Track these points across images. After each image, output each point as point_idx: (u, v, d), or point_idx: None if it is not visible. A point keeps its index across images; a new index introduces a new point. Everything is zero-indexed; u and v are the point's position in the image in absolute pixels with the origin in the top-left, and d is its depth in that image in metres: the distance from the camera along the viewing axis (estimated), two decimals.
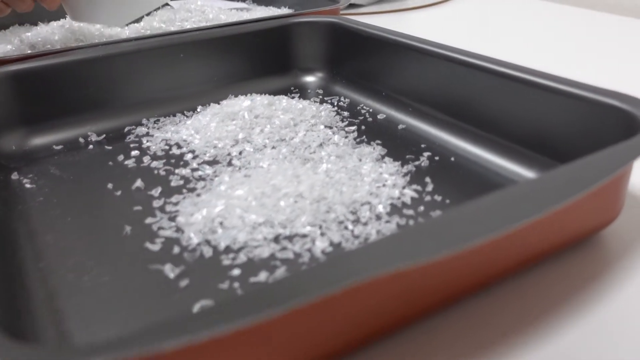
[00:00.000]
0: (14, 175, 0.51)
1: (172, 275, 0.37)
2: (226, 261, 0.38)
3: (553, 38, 0.92)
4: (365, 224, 0.41)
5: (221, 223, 0.41)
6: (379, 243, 0.27)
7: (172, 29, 0.87)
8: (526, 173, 0.47)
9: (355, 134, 0.57)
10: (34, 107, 0.58)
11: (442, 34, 0.98)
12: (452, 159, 0.51)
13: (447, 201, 0.44)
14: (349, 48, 0.67)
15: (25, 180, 0.50)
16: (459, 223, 0.28)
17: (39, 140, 0.57)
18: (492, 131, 0.51)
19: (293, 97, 0.66)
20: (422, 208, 0.43)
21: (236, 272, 0.37)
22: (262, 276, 0.36)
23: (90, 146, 0.57)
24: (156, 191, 0.47)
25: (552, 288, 0.35)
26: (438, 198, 0.44)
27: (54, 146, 0.57)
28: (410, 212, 0.43)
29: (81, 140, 0.58)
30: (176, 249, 0.39)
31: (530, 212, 0.28)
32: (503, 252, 0.32)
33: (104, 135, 0.58)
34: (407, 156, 0.51)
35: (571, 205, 0.30)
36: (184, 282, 0.36)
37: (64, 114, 0.60)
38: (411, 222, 0.41)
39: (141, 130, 0.59)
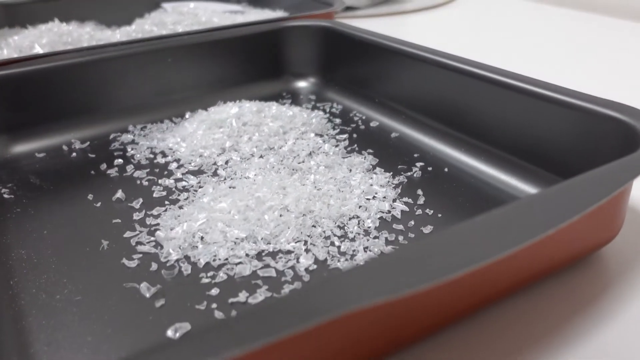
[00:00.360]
0: None
1: (147, 294, 0.35)
2: (205, 279, 0.36)
3: (553, 43, 0.91)
4: (353, 239, 0.39)
5: (202, 238, 0.39)
6: (369, 268, 0.25)
7: (164, 32, 0.85)
8: (521, 186, 0.45)
9: (347, 142, 0.55)
10: (17, 113, 0.56)
11: (440, 38, 0.96)
12: (446, 169, 0.49)
13: (439, 215, 0.42)
14: (342, 53, 0.66)
15: (4, 190, 0.48)
16: (453, 247, 0.26)
17: (21, 148, 0.56)
18: (488, 141, 0.49)
19: (284, 103, 0.64)
20: (412, 222, 0.41)
21: (215, 291, 0.35)
22: (242, 296, 0.34)
23: (74, 154, 0.55)
24: (137, 203, 0.45)
25: (552, 308, 0.33)
26: (430, 211, 0.42)
27: (36, 154, 0.55)
28: (400, 226, 0.41)
29: (64, 147, 0.56)
30: (154, 266, 0.37)
31: (527, 236, 0.26)
32: (499, 273, 0.30)
33: (88, 143, 0.57)
34: (399, 166, 0.49)
35: (571, 225, 0.28)
36: (159, 302, 0.34)
37: (48, 120, 0.58)
38: (400, 237, 0.39)
39: (127, 137, 0.57)
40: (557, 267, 0.35)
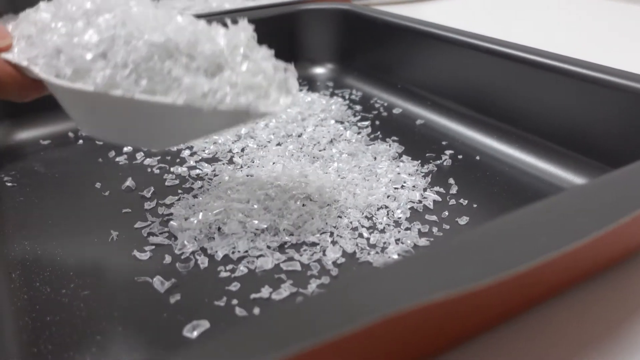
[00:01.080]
0: None
1: (162, 289, 0.32)
2: (224, 273, 0.33)
3: (585, 31, 0.87)
4: (383, 231, 0.36)
5: (219, 229, 0.36)
6: (422, 260, 0.22)
7: None
8: (562, 174, 0.41)
9: (369, 129, 0.52)
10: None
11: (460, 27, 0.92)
12: (477, 157, 0.45)
13: (475, 205, 0.39)
14: (362, 37, 0.62)
15: (6, 178, 0.45)
16: (506, 242, 0.23)
17: (25, 135, 0.53)
18: (523, 128, 0.46)
19: (301, 90, 0.61)
20: (446, 213, 0.38)
21: (235, 286, 0.32)
22: (265, 292, 0.31)
23: (80, 141, 0.52)
24: (148, 191, 0.42)
25: (606, 304, 0.30)
26: (464, 202, 0.39)
27: (41, 141, 0.52)
28: (433, 217, 0.38)
29: (70, 134, 0.53)
30: (167, 259, 0.34)
31: (589, 229, 0.23)
32: (563, 266, 0.27)
33: None
34: (427, 154, 0.46)
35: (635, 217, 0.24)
36: (174, 298, 0.31)
37: (54, 105, 0.55)
38: (434, 229, 0.36)
39: None
40: (610, 263, 0.32)
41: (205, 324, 0.29)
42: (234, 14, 0.64)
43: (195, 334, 0.28)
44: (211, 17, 0.62)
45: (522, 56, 0.44)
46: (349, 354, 0.20)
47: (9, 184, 0.44)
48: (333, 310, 0.19)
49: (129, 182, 0.43)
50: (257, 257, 0.34)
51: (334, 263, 0.33)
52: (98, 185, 0.44)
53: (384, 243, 0.35)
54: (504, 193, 0.40)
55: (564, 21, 0.93)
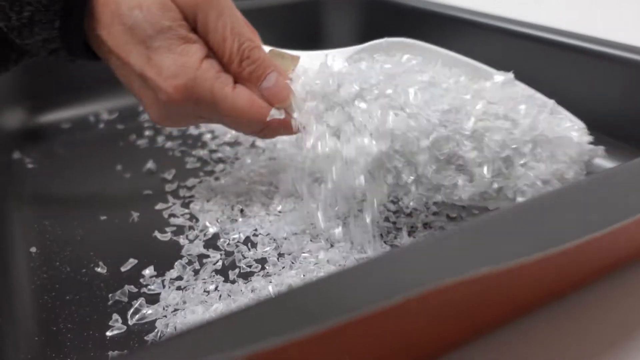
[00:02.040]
0: (16, 155, 0.46)
1: (183, 273, 0.31)
2: (247, 253, 0.32)
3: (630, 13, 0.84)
4: (409, 215, 0.35)
5: (242, 211, 0.36)
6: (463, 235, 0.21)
7: None
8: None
9: None
10: (41, 80, 0.53)
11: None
12: None
13: None
14: (387, 24, 0.61)
15: (27, 160, 0.45)
16: (548, 219, 0.22)
17: (46, 118, 0.52)
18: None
19: None
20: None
21: (259, 268, 0.31)
22: (295, 274, 0.30)
23: (101, 124, 0.51)
24: (169, 174, 0.41)
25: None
26: None
27: (62, 124, 0.51)
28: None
29: (92, 118, 0.53)
30: (189, 240, 0.34)
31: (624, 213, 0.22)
32: (599, 249, 0.26)
33: (117, 114, 0.53)
34: None
35: None
36: (199, 281, 0.30)
37: (75, 89, 0.54)
38: (463, 214, 0.35)
39: None
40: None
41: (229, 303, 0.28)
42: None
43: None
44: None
45: (550, 38, 0.42)
46: (380, 331, 0.19)
47: (30, 166, 0.44)
48: (356, 289, 0.18)
49: (150, 165, 0.42)
50: (285, 238, 0.33)
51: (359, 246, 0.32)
52: (119, 167, 0.43)
53: (412, 227, 0.34)
54: None
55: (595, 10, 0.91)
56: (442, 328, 0.23)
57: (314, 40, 0.65)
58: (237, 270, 0.31)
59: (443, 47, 0.46)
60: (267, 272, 0.31)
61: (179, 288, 0.30)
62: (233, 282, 0.30)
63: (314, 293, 0.18)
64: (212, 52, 0.31)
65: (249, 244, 0.33)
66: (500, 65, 0.48)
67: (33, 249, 0.33)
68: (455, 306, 0.20)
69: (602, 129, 0.40)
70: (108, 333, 0.27)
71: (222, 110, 0.31)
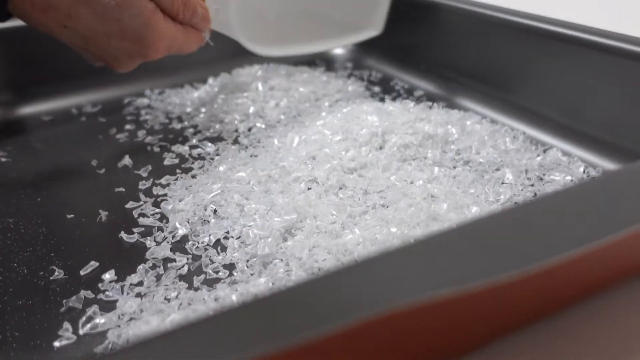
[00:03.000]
0: None
1: (144, 277, 0.29)
2: (216, 258, 0.30)
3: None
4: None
5: (215, 211, 0.33)
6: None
7: None
8: (595, 160, 0.37)
9: None
10: (24, 71, 0.51)
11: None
12: None
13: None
14: (396, 19, 0.58)
15: (1, 154, 0.43)
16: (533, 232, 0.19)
17: (27, 110, 0.50)
18: (556, 111, 0.41)
19: (316, 69, 0.57)
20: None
21: (226, 274, 0.29)
22: (262, 281, 0.28)
23: (83, 118, 0.50)
24: (145, 170, 0.39)
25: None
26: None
27: (43, 116, 0.50)
28: None
29: (74, 111, 0.51)
30: (156, 242, 0.32)
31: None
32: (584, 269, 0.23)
33: (100, 107, 0.51)
34: None
35: None
36: (163, 287, 0.28)
37: (58, 80, 0.53)
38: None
39: (142, 101, 0.52)
40: None
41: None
42: None
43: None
44: None
45: (559, 32, 0.40)
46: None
47: (3, 160, 0.42)
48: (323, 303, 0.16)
49: (126, 160, 0.40)
50: (256, 243, 0.31)
51: (345, 250, 0.30)
52: (94, 162, 0.41)
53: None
54: (534, 181, 0.36)
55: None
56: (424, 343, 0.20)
57: None
58: (202, 277, 0.29)
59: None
60: (234, 279, 0.28)
61: (138, 295, 0.28)
62: (197, 289, 0.28)
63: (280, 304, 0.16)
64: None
65: (219, 248, 0.31)
66: (513, 62, 0.45)
67: None
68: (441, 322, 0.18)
69: (605, 130, 0.38)
70: (56, 343, 0.25)
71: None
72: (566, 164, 0.37)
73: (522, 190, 0.35)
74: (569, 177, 0.36)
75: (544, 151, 0.39)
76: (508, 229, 0.20)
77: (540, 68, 0.42)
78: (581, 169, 0.37)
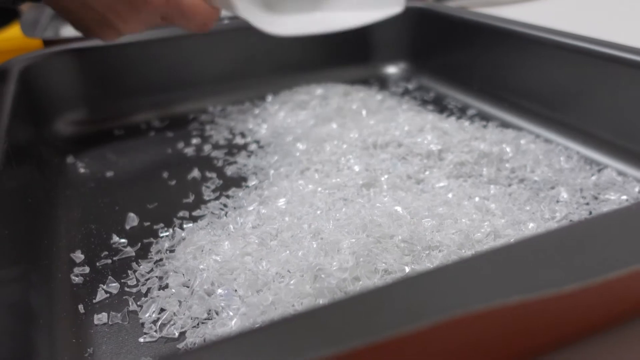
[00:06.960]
0: (70, 159, 0.47)
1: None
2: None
3: None
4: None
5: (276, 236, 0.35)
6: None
7: None
8: None
9: None
10: (98, 89, 0.55)
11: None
12: None
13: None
14: (437, 37, 0.60)
15: (80, 165, 0.47)
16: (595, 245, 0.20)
17: (100, 124, 0.54)
18: (610, 132, 0.42)
19: (371, 88, 0.59)
20: None
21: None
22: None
23: (152, 132, 0.53)
24: (212, 182, 0.42)
25: None
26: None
27: (115, 130, 0.53)
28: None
29: (143, 126, 0.54)
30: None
31: None
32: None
33: (167, 122, 0.54)
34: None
35: None
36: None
37: (129, 97, 0.56)
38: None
39: (206, 117, 0.55)
40: None
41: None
42: None
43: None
44: None
45: (613, 54, 0.40)
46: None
47: (82, 170, 0.46)
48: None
49: (195, 173, 0.43)
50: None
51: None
52: (165, 174, 0.44)
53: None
54: (589, 199, 0.37)
55: None
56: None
57: (365, 50, 0.65)
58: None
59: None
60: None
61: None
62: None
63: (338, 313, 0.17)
64: None
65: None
66: (566, 82, 0.46)
67: (77, 253, 0.34)
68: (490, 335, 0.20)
69: None
70: (140, 340, 0.28)
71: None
72: (621, 183, 0.38)
73: (577, 208, 0.36)
74: (624, 197, 0.37)
75: (599, 171, 0.40)
76: (569, 244, 0.21)
77: (594, 89, 0.43)
78: (636, 189, 0.37)
